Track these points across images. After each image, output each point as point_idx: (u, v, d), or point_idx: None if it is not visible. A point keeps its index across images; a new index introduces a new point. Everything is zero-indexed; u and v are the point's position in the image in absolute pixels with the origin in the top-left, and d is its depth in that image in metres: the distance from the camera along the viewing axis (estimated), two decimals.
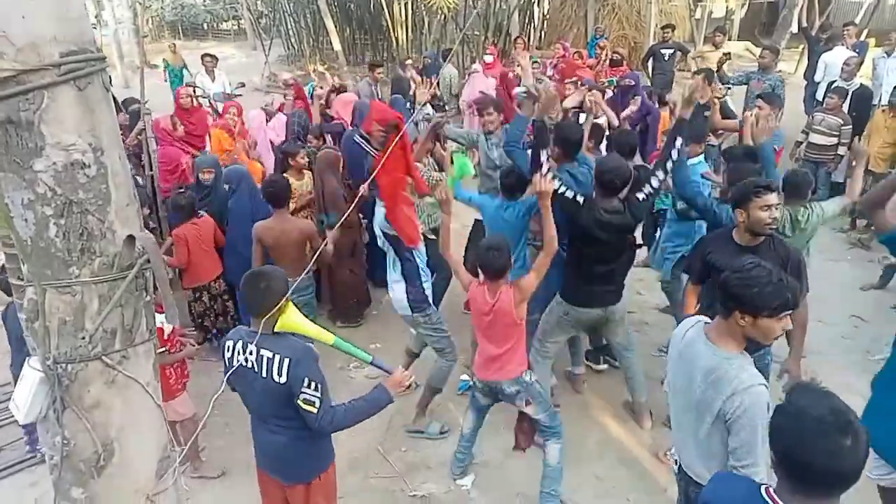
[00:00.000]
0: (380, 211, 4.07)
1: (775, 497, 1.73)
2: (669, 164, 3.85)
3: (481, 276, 3.51)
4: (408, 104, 6.95)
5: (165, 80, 11.62)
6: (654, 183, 3.84)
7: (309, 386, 2.61)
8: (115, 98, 1.96)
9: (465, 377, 4.81)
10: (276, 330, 2.69)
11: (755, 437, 2.27)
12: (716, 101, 5.98)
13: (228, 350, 2.77)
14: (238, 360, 2.72)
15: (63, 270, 1.53)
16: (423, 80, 7.42)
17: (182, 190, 5.14)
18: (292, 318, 2.73)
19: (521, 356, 3.60)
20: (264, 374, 2.64)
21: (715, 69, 7.49)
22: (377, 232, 4.18)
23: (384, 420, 4.53)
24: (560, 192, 3.79)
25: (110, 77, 1.45)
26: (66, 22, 1.47)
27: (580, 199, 3.81)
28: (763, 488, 1.78)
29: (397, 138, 3.72)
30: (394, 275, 4.17)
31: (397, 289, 4.15)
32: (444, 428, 4.44)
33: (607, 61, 9.53)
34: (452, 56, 10.92)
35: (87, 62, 1.46)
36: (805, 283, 3.53)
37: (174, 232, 5.04)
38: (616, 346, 4.37)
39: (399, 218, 3.90)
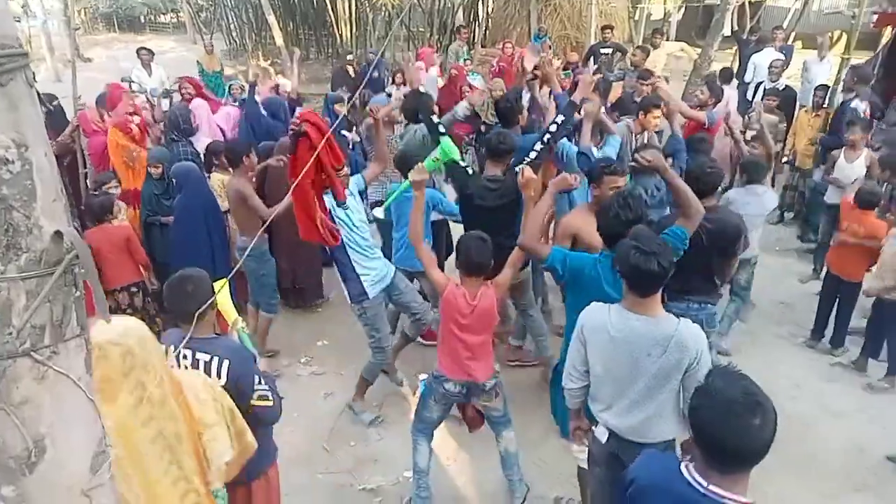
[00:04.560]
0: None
1: (693, 472, 1.85)
2: (546, 136, 4.14)
3: (457, 277, 3.40)
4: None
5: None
6: (532, 154, 4.10)
7: (260, 382, 2.63)
8: (39, 93, 1.92)
9: (422, 376, 4.80)
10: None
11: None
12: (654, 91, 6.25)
13: None
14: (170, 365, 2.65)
15: None
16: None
17: (96, 192, 4.86)
18: (224, 298, 2.87)
19: (491, 348, 3.56)
20: None
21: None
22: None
23: (332, 416, 4.54)
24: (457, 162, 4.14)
25: (34, 73, 1.43)
26: None
27: (470, 171, 4.20)
28: (682, 464, 1.90)
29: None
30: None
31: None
32: (378, 421, 4.51)
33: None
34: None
35: (9, 58, 1.44)
36: None
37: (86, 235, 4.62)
38: (520, 307, 4.62)
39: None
